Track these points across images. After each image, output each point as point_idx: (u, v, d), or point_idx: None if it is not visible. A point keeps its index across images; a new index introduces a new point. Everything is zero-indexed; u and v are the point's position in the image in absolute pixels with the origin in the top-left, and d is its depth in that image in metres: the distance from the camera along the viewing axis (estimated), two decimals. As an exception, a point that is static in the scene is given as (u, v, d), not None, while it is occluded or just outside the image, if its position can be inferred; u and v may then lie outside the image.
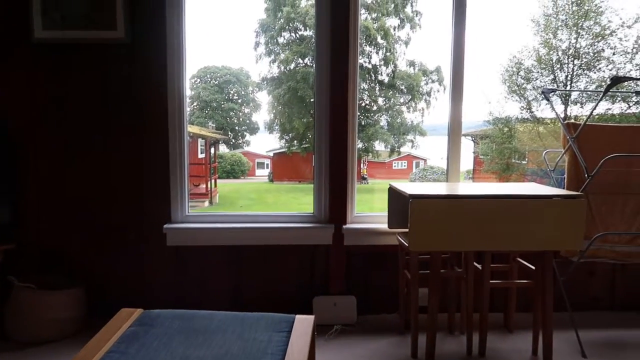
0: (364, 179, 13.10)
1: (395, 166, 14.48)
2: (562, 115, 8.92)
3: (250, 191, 12.89)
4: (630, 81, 3.42)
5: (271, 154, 14.43)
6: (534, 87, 9.80)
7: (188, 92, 3.16)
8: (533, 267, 2.36)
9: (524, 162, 9.87)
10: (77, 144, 2.57)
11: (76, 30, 2.48)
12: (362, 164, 13.55)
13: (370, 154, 13.13)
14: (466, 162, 12.30)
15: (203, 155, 11.26)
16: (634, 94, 3.13)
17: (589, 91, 10.05)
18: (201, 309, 1.82)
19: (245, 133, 15.30)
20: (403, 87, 13.11)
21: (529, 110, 9.82)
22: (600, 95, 2.52)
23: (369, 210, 2.81)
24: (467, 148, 11.40)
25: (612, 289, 2.87)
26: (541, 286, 2.27)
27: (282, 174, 13.51)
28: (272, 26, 13.04)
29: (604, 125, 2.69)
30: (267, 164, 15.11)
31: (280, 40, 13.11)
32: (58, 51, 2.51)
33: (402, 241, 2.41)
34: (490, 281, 2.29)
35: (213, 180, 10.89)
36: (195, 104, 14.72)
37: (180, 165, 2.64)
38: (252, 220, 2.73)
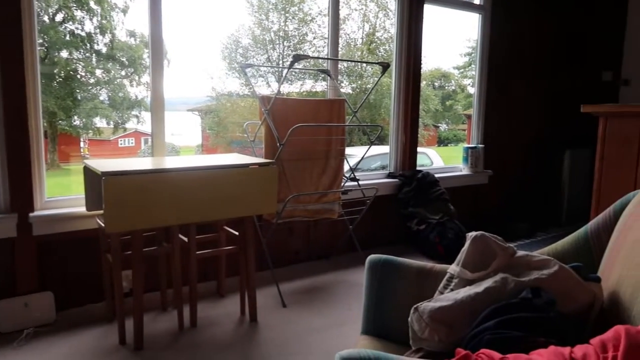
0: (85, 158, 11.86)
1: (121, 144, 13.53)
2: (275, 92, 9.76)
3: None
4: (310, 59, 3.96)
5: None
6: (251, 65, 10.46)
7: None
8: (237, 233, 2.50)
9: (245, 135, 10.50)
10: None
11: None
12: (82, 142, 12.22)
13: (90, 131, 11.93)
14: (196, 136, 12.37)
15: None
16: (320, 72, 3.62)
17: (280, 67, 11.19)
18: None
19: None
20: (124, 59, 12.23)
21: (248, 87, 10.43)
22: (286, 71, 2.80)
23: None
24: (195, 123, 11.45)
25: (307, 243, 3.29)
26: (244, 250, 2.42)
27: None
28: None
29: (293, 99, 3.02)
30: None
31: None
32: None
33: (101, 223, 2.23)
34: (197, 252, 2.33)
35: None
36: None
37: None
38: None
